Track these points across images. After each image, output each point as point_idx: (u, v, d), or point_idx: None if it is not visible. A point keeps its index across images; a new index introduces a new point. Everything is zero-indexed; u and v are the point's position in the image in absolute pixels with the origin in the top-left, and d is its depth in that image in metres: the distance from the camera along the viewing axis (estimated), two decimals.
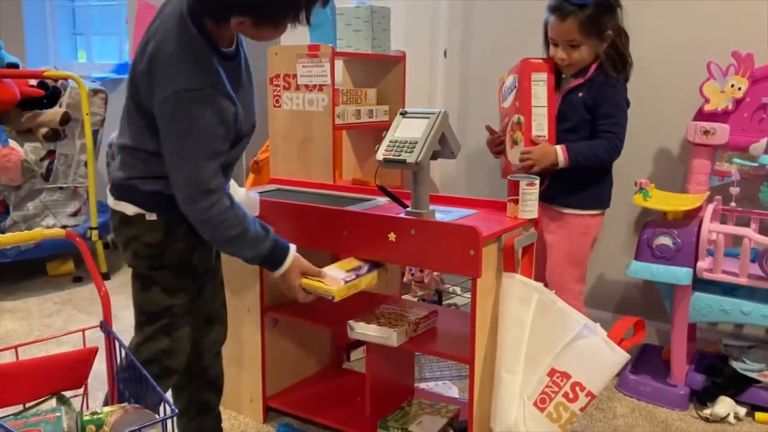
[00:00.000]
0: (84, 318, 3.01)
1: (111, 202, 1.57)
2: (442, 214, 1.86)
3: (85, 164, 3.51)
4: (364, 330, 1.84)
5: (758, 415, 2.18)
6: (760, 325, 2.31)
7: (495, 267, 1.75)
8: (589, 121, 2.17)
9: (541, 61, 2.16)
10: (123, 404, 1.12)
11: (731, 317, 2.19)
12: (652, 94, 2.53)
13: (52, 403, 1.13)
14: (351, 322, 1.87)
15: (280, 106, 2.42)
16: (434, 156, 1.79)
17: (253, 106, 1.62)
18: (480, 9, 2.96)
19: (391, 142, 1.77)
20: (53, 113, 3.45)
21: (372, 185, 2.13)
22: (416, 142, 1.73)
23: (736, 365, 2.26)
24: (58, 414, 1.06)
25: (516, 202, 1.85)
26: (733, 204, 2.29)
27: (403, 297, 2.60)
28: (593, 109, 2.15)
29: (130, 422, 1.04)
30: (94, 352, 1.20)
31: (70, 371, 1.16)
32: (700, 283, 2.22)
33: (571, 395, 1.77)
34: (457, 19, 3.00)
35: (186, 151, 1.41)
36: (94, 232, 3.46)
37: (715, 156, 2.38)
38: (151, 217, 1.52)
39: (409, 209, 1.83)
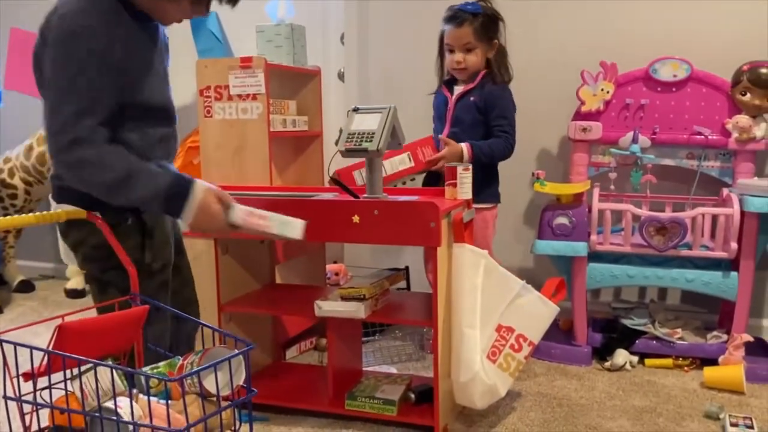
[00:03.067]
0: None
1: (54, 206, 1.52)
2: (392, 198, 2.08)
3: None
4: (332, 307, 2.01)
5: (647, 360, 2.59)
6: (642, 285, 2.75)
7: (447, 239, 2.00)
8: (482, 122, 2.51)
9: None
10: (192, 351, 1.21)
11: (619, 281, 2.61)
12: (535, 100, 2.93)
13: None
14: (318, 301, 2.02)
15: (211, 116, 2.53)
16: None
17: (166, 84, 1.61)
18: (374, 33, 3.24)
19: (350, 134, 1.98)
20: None
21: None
22: (374, 133, 1.95)
23: (626, 322, 2.67)
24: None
25: (454, 185, 2.12)
26: (612, 188, 2.73)
27: None
28: (485, 111, 2.50)
29: (213, 357, 1.14)
30: (145, 311, 1.26)
31: (121, 333, 1.22)
32: (592, 256, 2.62)
33: (516, 346, 2.06)
34: (353, 42, 3.25)
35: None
36: None
37: (591, 150, 2.81)
38: None
39: (366, 195, 2.03)
